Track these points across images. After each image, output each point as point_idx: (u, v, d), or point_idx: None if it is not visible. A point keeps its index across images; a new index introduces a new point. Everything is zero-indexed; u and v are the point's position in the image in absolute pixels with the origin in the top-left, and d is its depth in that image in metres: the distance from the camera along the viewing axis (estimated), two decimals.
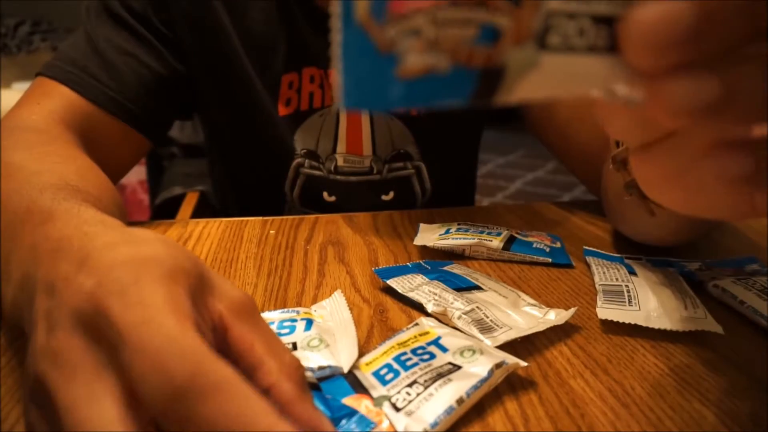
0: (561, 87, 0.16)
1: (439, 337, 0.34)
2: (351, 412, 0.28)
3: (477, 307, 0.38)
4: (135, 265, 0.23)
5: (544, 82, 0.16)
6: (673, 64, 0.15)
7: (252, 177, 0.70)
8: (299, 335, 0.34)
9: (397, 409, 0.28)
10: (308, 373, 0.30)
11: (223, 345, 0.25)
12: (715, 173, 0.16)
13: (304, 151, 0.64)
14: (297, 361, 0.26)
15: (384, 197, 0.68)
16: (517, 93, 0.16)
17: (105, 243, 0.26)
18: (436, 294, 0.40)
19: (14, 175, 0.39)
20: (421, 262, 0.47)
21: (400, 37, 0.15)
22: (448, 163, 0.71)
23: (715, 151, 0.16)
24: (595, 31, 0.16)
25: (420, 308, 0.39)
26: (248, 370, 0.25)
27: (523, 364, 0.32)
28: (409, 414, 0.28)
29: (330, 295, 0.40)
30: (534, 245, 0.49)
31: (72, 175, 0.40)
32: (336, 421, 0.27)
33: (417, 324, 0.36)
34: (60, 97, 0.54)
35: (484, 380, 0.30)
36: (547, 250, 0.49)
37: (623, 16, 0.15)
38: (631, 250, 0.50)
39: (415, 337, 0.34)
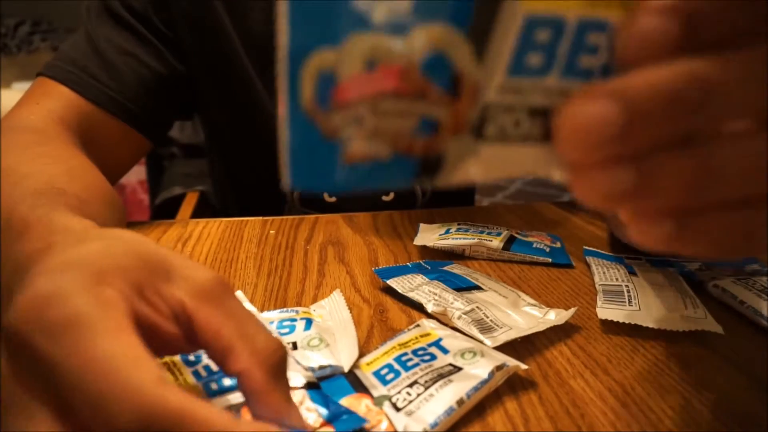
0: (498, 172, 0.17)
1: (440, 339, 0.34)
2: (347, 413, 0.28)
3: (477, 307, 0.38)
4: (55, 275, 0.22)
5: (482, 168, 0.17)
6: (600, 159, 0.16)
7: (252, 177, 0.70)
8: (299, 335, 0.34)
9: (398, 409, 0.28)
10: (308, 373, 0.30)
11: (191, 333, 0.24)
12: (637, 235, 0.18)
13: None
14: (273, 344, 0.24)
15: (384, 198, 0.68)
16: (457, 178, 0.17)
17: (53, 252, 0.24)
18: (436, 294, 0.40)
19: (6, 179, 0.38)
20: (421, 262, 0.47)
21: (344, 124, 0.16)
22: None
23: (635, 220, 0.18)
24: (531, 122, 0.17)
25: (420, 308, 0.39)
26: (217, 357, 0.23)
27: (524, 366, 0.32)
28: (409, 414, 0.28)
29: (329, 295, 0.40)
30: (534, 245, 0.49)
31: (60, 177, 0.40)
32: (333, 420, 0.27)
33: (418, 325, 0.36)
34: (59, 97, 0.54)
35: (484, 382, 0.30)
36: (547, 250, 0.49)
37: (557, 109, 0.16)
38: (632, 250, 0.50)
39: (417, 338, 0.34)
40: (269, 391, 0.23)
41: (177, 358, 0.31)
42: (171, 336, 0.23)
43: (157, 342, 0.23)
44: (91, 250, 0.24)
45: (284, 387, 0.24)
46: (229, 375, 0.23)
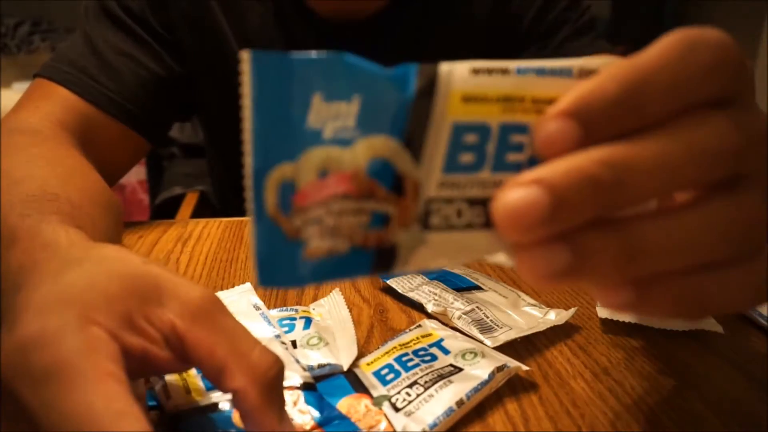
0: (449, 258, 0.19)
1: (441, 339, 0.34)
2: (340, 417, 0.28)
3: (477, 307, 0.38)
4: (39, 316, 0.21)
5: (433, 255, 0.19)
6: (535, 241, 0.18)
7: None
8: (298, 333, 0.34)
9: (397, 410, 0.28)
10: (306, 373, 0.30)
11: (184, 353, 0.23)
12: (603, 303, 0.20)
13: None
14: (268, 359, 0.23)
15: None
16: (412, 265, 0.19)
17: (38, 280, 0.24)
18: (436, 294, 0.40)
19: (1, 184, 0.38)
20: None
21: (304, 225, 0.18)
22: None
23: (598, 290, 0.20)
24: (471, 211, 0.19)
25: (420, 308, 0.39)
26: (212, 376, 0.23)
27: (525, 367, 0.32)
28: (409, 414, 0.28)
29: (328, 294, 0.40)
30: None
31: (53, 180, 0.39)
32: (325, 424, 0.27)
33: (420, 326, 0.36)
34: (58, 99, 0.53)
35: (484, 383, 0.30)
36: None
37: (492, 198, 0.18)
38: None
39: (417, 338, 0.34)
40: (263, 410, 0.23)
41: None
42: (163, 360, 0.23)
43: (150, 368, 0.23)
44: (77, 280, 0.23)
45: (279, 404, 0.23)
46: (225, 393, 0.23)
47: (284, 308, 0.38)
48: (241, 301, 0.35)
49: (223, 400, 0.28)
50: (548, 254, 0.18)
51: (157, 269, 0.25)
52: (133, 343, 0.22)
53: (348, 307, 0.38)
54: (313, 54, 0.18)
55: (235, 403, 0.23)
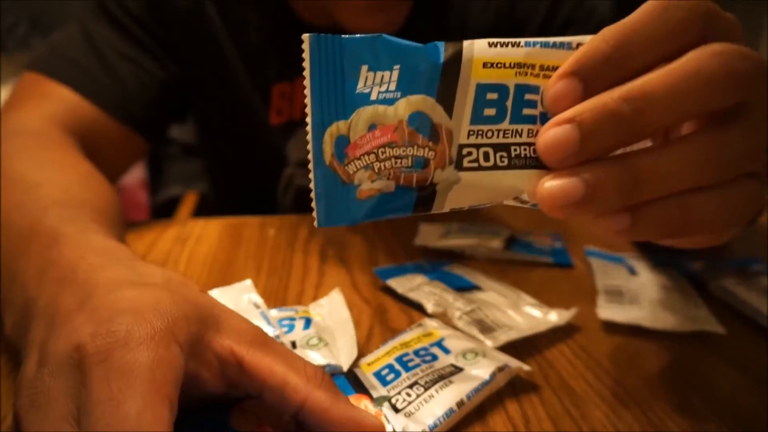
0: (480, 197, 0.23)
1: (442, 339, 0.34)
2: None
3: (477, 307, 0.38)
4: (133, 316, 0.23)
5: (466, 194, 0.22)
6: (568, 165, 0.21)
7: (245, 183, 0.70)
8: (298, 334, 0.34)
9: (397, 410, 0.28)
10: None
11: (240, 377, 0.25)
12: (602, 230, 0.23)
13: (297, 161, 0.64)
14: (320, 370, 0.26)
15: None
16: (449, 204, 0.22)
17: (109, 281, 0.26)
18: (436, 294, 0.39)
19: (14, 187, 0.38)
20: (421, 262, 0.47)
21: (357, 171, 0.22)
22: None
23: (598, 219, 0.23)
24: (496, 155, 0.22)
25: (420, 308, 0.39)
26: (276, 393, 0.25)
27: (526, 368, 0.32)
28: (409, 415, 0.28)
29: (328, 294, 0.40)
30: (534, 245, 0.49)
31: (75, 186, 0.40)
32: None
33: (420, 325, 0.36)
34: (59, 98, 0.53)
35: (485, 383, 0.30)
36: (548, 250, 0.49)
37: (515, 143, 0.22)
38: (633, 250, 0.50)
39: (418, 338, 0.34)
40: (335, 403, 0.24)
41: None
42: (211, 385, 0.25)
43: (195, 391, 0.25)
44: (163, 298, 0.24)
45: (346, 399, 0.25)
46: (290, 411, 0.25)
47: (284, 308, 0.38)
48: (241, 299, 0.35)
49: (221, 400, 0.28)
50: (566, 186, 0.21)
51: (213, 299, 0.27)
52: (191, 366, 0.24)
53: (348, 307, 0.38)
54: (359, 35, 0.22)
55: (306, 418, 0.24)
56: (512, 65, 0.22)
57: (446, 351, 0.33)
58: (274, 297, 0.42)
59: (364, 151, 0.22)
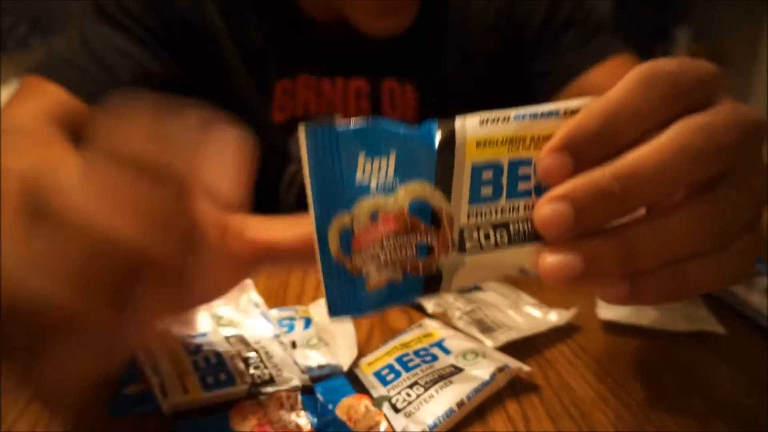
0: (485, 275, 0.23)
1: (442, 339, 0.34)
2: (337, 424, 0.27)
3: (477, 307, 0.38)
4: None
5: (470, 274, 0.23)
6: (563, 240, 0.22)
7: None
8: (298, 334, 0.34)
9: (397, 410, 0.28)
10: (304, 375, 0.30)
11: None
12: (604, 297, 0.24)
13: (300, 158, 0.64)
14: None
15: None
16: (455, 284, 0.23)
17: None
18: None
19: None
20: None
21: (364, 263, 0.22)
22: None
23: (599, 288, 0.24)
24: (496, 233, 0.22)
25: (420, 308, 0.39)
26: None
27: (527, 368, 0.32)
28: (409, 415, 0.28)
29: None
30: None
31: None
32: (323, 429, 0.27)
33: (420, 325, 0.36)
34: (53, 96, 0.53)
35: (485, 384, 0.30)
36: None
37: (513, 220, 0.22)
38: None
39: (419, 338, 0.34)
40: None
41: (179, 345, 0.31)
42: None
43: None
44: None
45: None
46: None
47: (284, 308, 0.38)
48: (241, 297, 0.35)
49: (220, 401, 0.28)
50: (565, 262, 0.22)
51: None
52: None
53: None
54: (354, 123, 0.22)
55: None
56: (504, 141, 0.23)
57: (446, 351, 0.33)
58: (274, 296, 0.42)
59: (368, 242, 0.22)
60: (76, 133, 0.52)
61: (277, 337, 0.32)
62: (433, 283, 0.22)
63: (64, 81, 0.54)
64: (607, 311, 0.39)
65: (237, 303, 0.34)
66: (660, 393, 0.32)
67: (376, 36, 0.58)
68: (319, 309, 0.38)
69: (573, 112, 0.23)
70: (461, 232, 0.22)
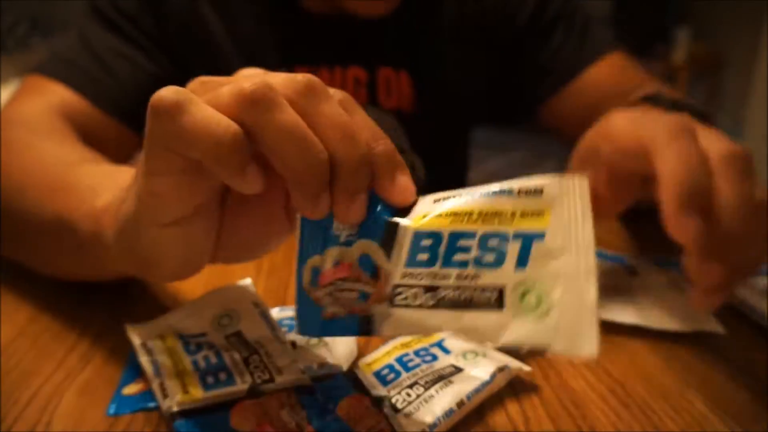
0: (410, 330, 0.25)
1: (442, 339, 0.34)
2: (337, 421, 0.27)
3: None
4: None
5: (397, 326, 0.25)
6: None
7: None
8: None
9: (397, 410, 0.28)
10: (304, 376, 0.30)
11: None
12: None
13: None
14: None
15: None
16: (385, 331, 0.25)
17: None
18: None
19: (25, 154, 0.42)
20: None
21: (323, 296, 0.26)
22: (439, 159, 0.72)
23: None
24: (425, 296, 0.24)
25: None
26: None
27: (527, 368, 0.32)
28: (408, 415, 0.28)
29: None
30: None
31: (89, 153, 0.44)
32: (322, 429, 0.27)
33: None
34: (56, 95, 0.53)
35: (485, 384, 0.30)
36: None
37: (443, 286, 0.24)
38: (633, 250, 0.50)
39: (419, 338, 0.34)
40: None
41: (179, 345, 0.31)
42: None
43: None
44: None
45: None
46: None
47: (284, 308, 0.38)
48: (240, 297, 0.35)
49: (220, 401, 0.28)
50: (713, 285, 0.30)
51: None
52: None
53: None
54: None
55: None
56: (448, 215, 0.24)
57: (446, 351, 0.33)
58: (274, 296, 0.42)
59: (328, 281, 0.26)
60: (81, 131, 0.52)
61: (277, 337, 0.32)
62: (366, 325, 0.25)
63: (67, 79, 0.54)
64: (608, 311, 0.39)
65: (237, 303, 0.34)
66: (660, 393, 0.32)
67: (364, 17, 0.59)
68: None
69: (528, 192, 0.24)
70: (395, 288, 0.25)
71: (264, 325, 0.33)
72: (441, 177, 0.72)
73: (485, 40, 0.66)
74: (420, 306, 0.24)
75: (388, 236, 0.25)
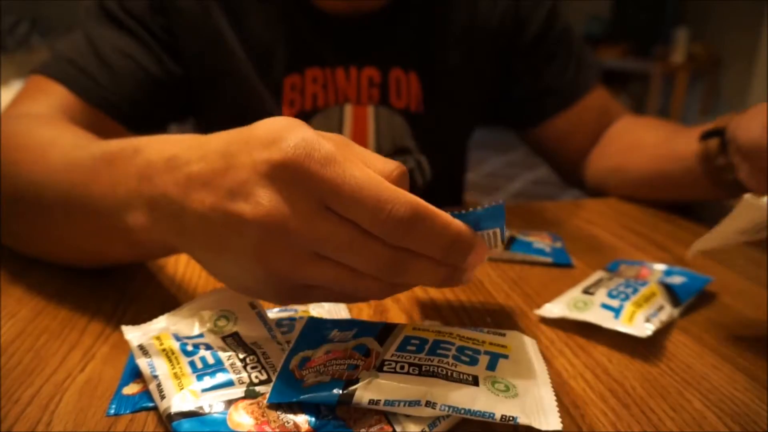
0: (392, 394, 0.27)
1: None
2: (336, 422, 0.27)
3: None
4: (290, 130, 0.28)
5: (383, 389, 0.27)
6: None
7: None
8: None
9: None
10: None
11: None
12: None
13: None
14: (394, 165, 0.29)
15: None
16: (366, 396, 0.27)
17: (218, 134, 0.31)
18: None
19: (54, 145, 0.41)
20: None
21: (309, 374, 0.29)
22: (441, 160, 0.72)
23: None
24: (410, 368, 0.29)
25: (421, 308, 0.39)
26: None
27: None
28: (408, 415, 0.28)
29: None
30: (534, 245, 0.49)
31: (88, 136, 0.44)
32: (320, 429, 0.27)
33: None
34: (57, 95, 0.54)
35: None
36: (548, 249, 0.49)
37: (426, 363, 0.29)
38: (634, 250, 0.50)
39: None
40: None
41: (176, 346, 0.31)
42: None
43: None
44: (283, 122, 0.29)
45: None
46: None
47: (284, 308, 0.38)
48: (237, 298, 0.35)
49: (218, 401, 0.28)
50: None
51: None
52: None
53: (348, 308, 0.38)
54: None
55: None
56: (435, 332, 0.32)
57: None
58: None
59: (317, 364, 0.29)
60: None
61: (274, 337, 0.32)
62: (350, 386, 0.27)
63: (67, 81, 0.54)
64: None
65: (236, 304, 0.34)
66: (660, 393, 0.32)
67: (343, 17, 0.61)
68: (318, 309, 0.38)
69: (495, 333, 0.33)
70: (383, 361, 0.29)
71: (261, 326, 0.33)
72: (442, 176, 0.72)
73: (492, 47, 0.67)
74: (407, 374, 0.28)
75: (384, 334, 0.31)
